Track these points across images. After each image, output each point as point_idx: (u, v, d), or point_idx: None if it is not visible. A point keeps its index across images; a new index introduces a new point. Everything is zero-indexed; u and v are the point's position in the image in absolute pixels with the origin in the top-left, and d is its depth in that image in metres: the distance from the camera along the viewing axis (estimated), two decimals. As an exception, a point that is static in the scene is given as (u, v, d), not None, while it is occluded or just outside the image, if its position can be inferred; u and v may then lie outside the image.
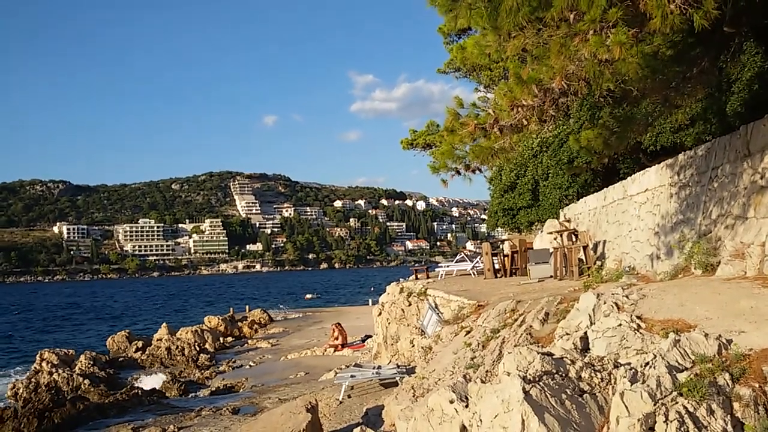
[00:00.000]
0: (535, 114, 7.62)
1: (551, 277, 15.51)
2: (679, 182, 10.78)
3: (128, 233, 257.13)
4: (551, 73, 6.71)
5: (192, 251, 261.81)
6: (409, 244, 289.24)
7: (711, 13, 5.62)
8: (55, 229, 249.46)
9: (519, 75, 7.09)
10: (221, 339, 33.03)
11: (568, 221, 18.01)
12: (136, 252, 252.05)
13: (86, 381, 21.97)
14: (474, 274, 21.26)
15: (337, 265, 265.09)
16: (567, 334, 7.34)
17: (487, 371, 7.93)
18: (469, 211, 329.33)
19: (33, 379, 21.98)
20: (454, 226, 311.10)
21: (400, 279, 23.50)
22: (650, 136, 13.93)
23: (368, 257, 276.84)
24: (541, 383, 5.37)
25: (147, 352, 28.54)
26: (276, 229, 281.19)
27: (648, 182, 12.19)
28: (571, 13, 6.20)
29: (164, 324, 31.81)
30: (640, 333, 6.33)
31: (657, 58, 7.33)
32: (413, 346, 15.53)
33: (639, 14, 6.01)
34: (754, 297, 6.58)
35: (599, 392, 5.42)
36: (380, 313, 20.12)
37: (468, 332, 10.74)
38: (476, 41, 7.36)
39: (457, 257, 26.23)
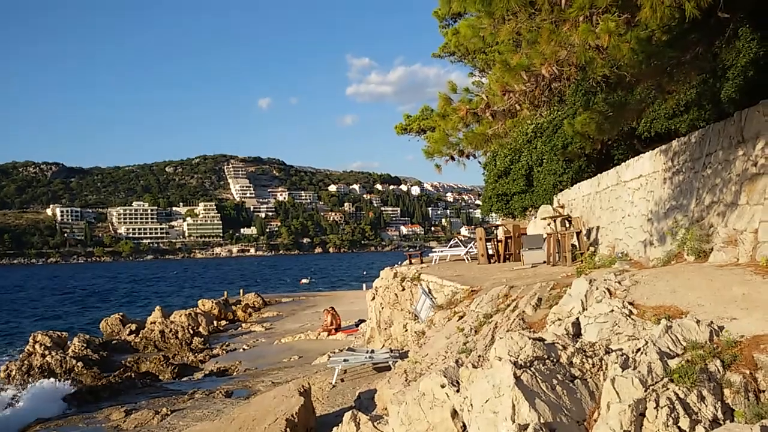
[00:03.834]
0: (528, 99, 7.58)
1: (544, 262, 15.53)
2: (673, 168, 10.77)
3: (122, 216, 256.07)
4: (542, 59, 6.66)
5: (186, 234, 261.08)
6: (404, 229, 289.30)
7: (704, 1, 5.56)
8: (49, 212, 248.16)
9: (506, 62, 7.05)
10: (215, 322, 33.03)
11: (562, 207, 18.00)
12: (130, 235, 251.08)
13: (79, 363, 21.95)
14: (468, 260, 21.29)
15: (331, 250, 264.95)
16: (559, 319, 7.36)
17: (479, 356, 7.95)
18: (464, 196, 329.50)
19: (26, 362, 21.95)
20: (448, 211, 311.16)
21: (395, 265, 23.50)
22: (645, 123, 13.89)
23: (363, 242, 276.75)
24: (532, 368, 5.37)
25: (140, 335, 28.52)
26: (270, 213, 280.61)
27: (642, 168, 12.17)
28: (563, -2, 6.15)
29: (158, 307, 31.79)
30: (632, 319, 6.34)
31: (651, 43, 7.29)
32: (406, 330, 15.58)
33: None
34: (746, 284, 6.59)
35: (590, 378, 5.42)
36: (374, 298, 20.15)
37: (461, 317, 10.75)
38: (470, 23, 7.28)
39: (451, 242, 26.26)
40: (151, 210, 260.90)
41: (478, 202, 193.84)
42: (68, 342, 24.70)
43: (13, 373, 21.15)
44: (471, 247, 22.25)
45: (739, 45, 10.43)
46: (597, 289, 7.47)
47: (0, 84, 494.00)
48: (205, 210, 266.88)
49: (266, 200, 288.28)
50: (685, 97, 12.21)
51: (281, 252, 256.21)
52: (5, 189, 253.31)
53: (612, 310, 6.58)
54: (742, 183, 8.40)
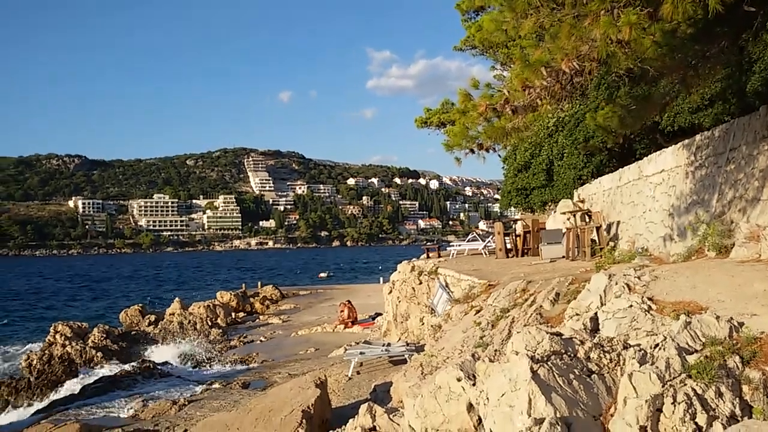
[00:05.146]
0: (548, 94, 7.51)
1: (563, 257, 15.42)
2: (696, 163, 10.62)
3: (143, 208, 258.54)
4: (563, 54, 6.59)
5: (206, 227, 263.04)
6: (422, 223, 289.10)
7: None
8: (71, 204, 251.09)
9: (526, 58, 6.99)
10: (233, 314, 33.28)
11: (582, 201, 17.85)
12: (151, 227, 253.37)
13: (99, 354, 22.24)
14: (485, 254, 21.21)
15: (349, 243, 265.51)
16: (577, 314, 7.30)
17: (496, 350, 7.91)
18: (483, 190, 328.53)
19: (47, 351, 22.26)
20: (467, 205, 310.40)
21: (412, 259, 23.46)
22: (668, 117, 13.72)
23: (380, 235, 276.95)
24: (549, 363, 5.33)
25: (159, 327, 28.82)
26: (289, 206, 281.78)
27: (664, 163, 12.02)
28: (584, -7, 6.08)
29: (177, 298, 32.09)
30: (651, 314, 6.27)
31: (676, 36, 7.17)
32: (423, 324, 15.57)
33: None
34: (767, 280, 6.48)
35: (608, 373, 5.37)
36: (391, 291, 20.15)
37: (478, 311, 10.71)
38: (493, 17, 7.24)
39: (469, 236, 26.19)
40: (172, 202, 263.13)
41: (496, 196, 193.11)
42: (88, 332, 25.01)
43: (34, 362, 21.45)
44: (489, 241, 22.16)
45: (767, 38, 10.24)
46: (616, 284, 7.40)
47: (23, 76, 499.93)
48: (224, 203, 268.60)
49: (285, 193, 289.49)
50: (710, 90, 12.04)
51: (299, 245, 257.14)
52: (29, 181, 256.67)
53: (631, 306, 6.51)
54: (765, 178, 8.27)
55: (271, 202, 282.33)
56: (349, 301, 26.17)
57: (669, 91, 9.82)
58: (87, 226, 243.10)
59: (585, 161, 19.10)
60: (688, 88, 9.88)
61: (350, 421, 8.23)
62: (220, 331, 28.35)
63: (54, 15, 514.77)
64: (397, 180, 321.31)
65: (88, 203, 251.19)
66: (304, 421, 9.54)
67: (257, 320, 32.83)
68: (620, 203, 14.85)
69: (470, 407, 6.07)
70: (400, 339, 16.83)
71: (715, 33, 7.99)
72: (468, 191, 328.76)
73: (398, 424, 7.54)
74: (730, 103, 11.91)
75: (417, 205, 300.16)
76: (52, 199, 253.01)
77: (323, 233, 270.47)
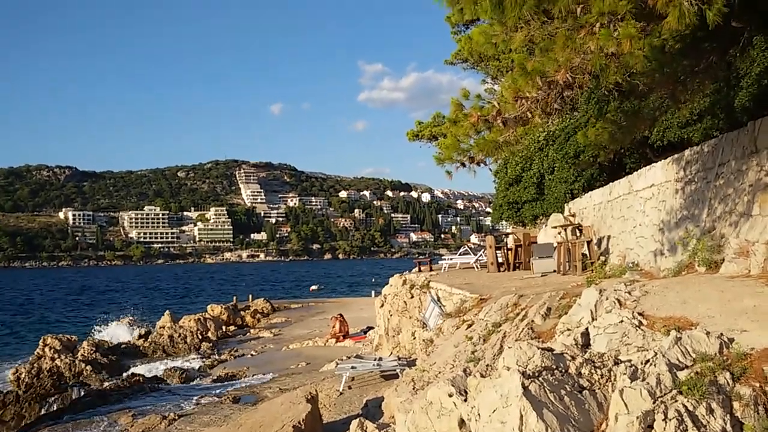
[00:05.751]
0: (540, 107, 7.54)
1: (554, 271, 15.44)
2: (685, 178, 10.69)
3: (133, 220, 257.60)
4: (556, 65, 6.63)
5: (197, 239, 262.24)
6: (414, 236, 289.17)
7: (722, 9, 5.53)
8: (61, 215, 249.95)
9: (524, 66, 7.01)
10: (224, 328, 33.08)
11: (573, 216, 17.90)
12: (141, 239, 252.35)
13: (88, 367, 22.05)
14: (477, 268, 21.21)
15: (341, 256, 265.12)
16: (568, 329, 7.30)
17: (487, 365, 7.89)
18: (474, 203, 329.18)
19: (35, 365, 22.06)
20: (458, 218, 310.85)
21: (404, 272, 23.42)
22: (657, 131, 13.82)
23: (372, 248, 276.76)
24: (540, 379, 5.33)
25: (149, 340, 28.60)
26: (281, 219, 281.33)
27: (654, 177, 12.09)
28: (578, 6, 6.12)
29: (167, 312, 31.89)
30: (642, 330, 6.28)
31: (665, 52, 7.24)
32: (414, 338, 15.54)
33: (648, 8, 5.92)
34: (757, 295, 6.51)
35: (599, 389, 5.37)
36: (382, 305, 20.10)
37: (469, 326, 10.70)
38: (483, 30, 7.27)
39: (461, 250, 26.18)
40: (163, 214, 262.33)
41: (488, 209, 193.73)
42: (77, 345, 24.81)
43: (23, 376, 21.23)
44: (480, 255, 22.18)
45: (754, 54, 10.35)
46: (607, 299, 7.41)
47: (13, 87, 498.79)
48: (216, 215, 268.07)
49: (277, 206, 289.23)
50: (699, 105, 12.13)
51: (291, 258, 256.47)
52: (19, 192, 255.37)
53: (621, 321, 6.52)
54: (754, 193, 8.32)
55: (262, 215, 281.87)
56: (341, 315, 26.09)
57: (658, 106, 9.90)
58: (77, 238, 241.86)
59: (576, 175, 19.19)
60: (677, 102, 9.97)
61: (341, 436, 8.20)
62: (211, 344, 28.15)
63: (42, 26, 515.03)
64: (389, 193, 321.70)
65: (79, 215, 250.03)
66: (294, 436, 9.48)
67: (248, 334, 32.61)
68: (611, 217, 14.91)
69: (462, 423, 6.06)
70: (391, 353, 16.77)
71: (703, 48, 8.07)
72: (460, 204, 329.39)
73: (389, 440, 7.51)
74: (719, 118, 12.01)
75: (409, 218, 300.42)
76: (42, 211, 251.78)
77: (315, 246, 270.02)
